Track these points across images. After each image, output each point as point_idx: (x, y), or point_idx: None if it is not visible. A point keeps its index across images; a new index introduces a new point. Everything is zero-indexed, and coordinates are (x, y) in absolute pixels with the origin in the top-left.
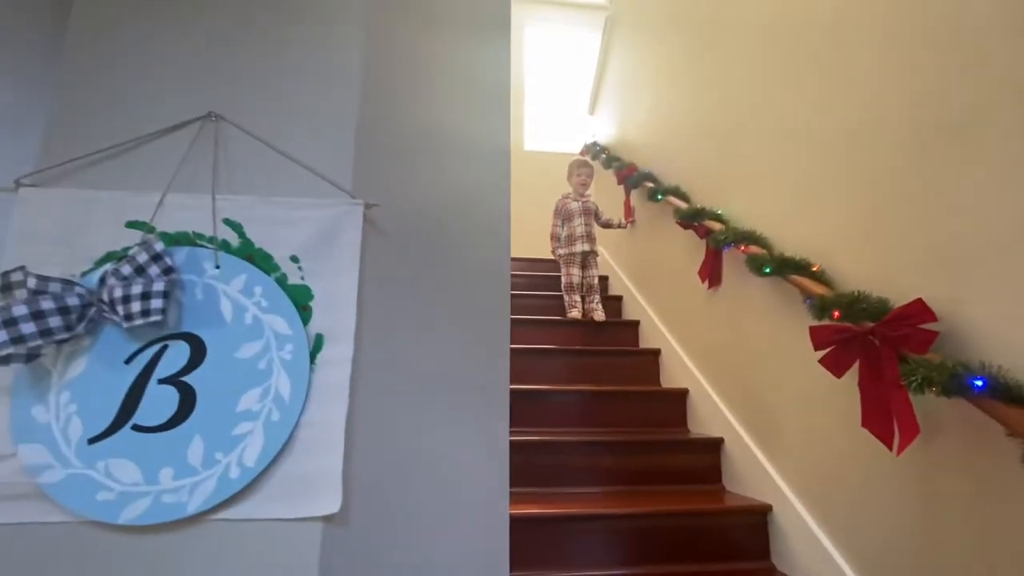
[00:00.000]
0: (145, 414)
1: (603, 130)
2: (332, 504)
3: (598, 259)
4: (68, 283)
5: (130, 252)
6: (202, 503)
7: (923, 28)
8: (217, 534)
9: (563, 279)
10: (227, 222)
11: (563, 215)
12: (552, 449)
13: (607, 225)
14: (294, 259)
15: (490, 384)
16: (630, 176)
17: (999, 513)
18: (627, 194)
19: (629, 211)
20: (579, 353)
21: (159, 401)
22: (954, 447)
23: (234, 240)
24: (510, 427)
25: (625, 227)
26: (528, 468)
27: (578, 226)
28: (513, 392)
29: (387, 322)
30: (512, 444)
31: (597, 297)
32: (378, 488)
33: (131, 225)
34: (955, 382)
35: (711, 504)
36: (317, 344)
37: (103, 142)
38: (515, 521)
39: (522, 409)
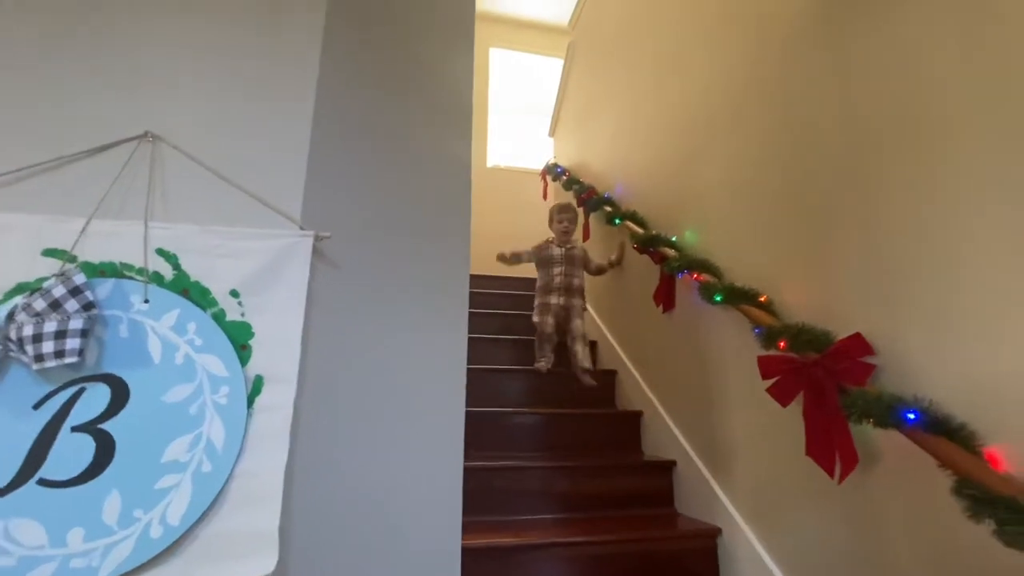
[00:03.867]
0: (54, 466)
1: (564, 152)
2: (267, 563)
3: (583, 311)
4: None
5: (45, 284)
6: (116, 568)
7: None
8: None
9: (536, 328)
10: (161, 252)
11: (541, 260)
12: (505, 475)
13: (600, 271)
14: (234, 294)
15: (445, 422)
16: (589, 200)
17: (936, 538)
18: (586, 217)
19: (588, 234)
20: (535, 374)
21: (71, 451)
22: (891, 475)
23: (167, 272)
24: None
25: (618, 264)
26: (480, 494)
27: (556, 276)
28: (467, 414)
29: (335, 361)
30: (464, 469)
31: (580, 349)
32: (319, 542)
33: (48, 254)
34: (890, 415)
35: (663, 530)
36: (256, 387)
37: (17, 161)
38: (466, 552)
39: (476, 431)
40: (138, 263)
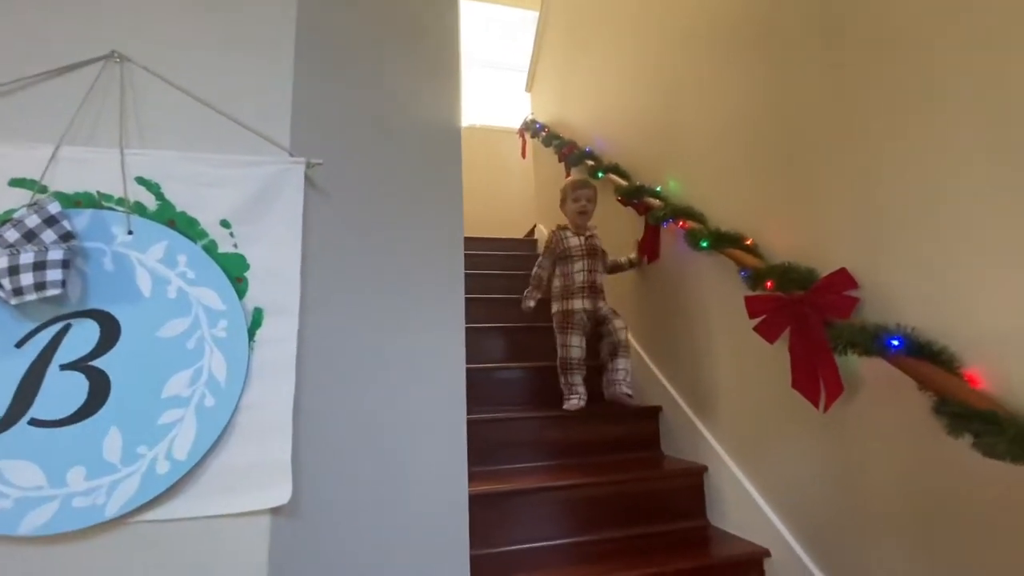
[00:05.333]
0: (46, 406)
1: (542, 107)
2: (281, 495)
3: (617, 320)
4: None
5: (16, 215)
6: (124, 504)
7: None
8: (145, 539)
9: (559, 351)
10: (141, 181)
11: (557, 253)
12: (498, 427)
13: (616, 268)
14: (225, 224)
15: (447, 358)
16: (571, 154)
17: (914, 459)
18: (567, 172)
19: None
20: (524, 330)
21: (63, 390)
22: (872, 403)
23: (150, 202)
24: None
25: (638, 265)
26: (474, 446)
27: (579, 272)
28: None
29: (335, 294)
30: None
31: (622, 364)
32: (330, 475)
33: (16, 184)
34: (875, 343)
35: (651, 470)
36: (256, 319)
37: None
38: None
39: (468, 387)
40: (117, 193)
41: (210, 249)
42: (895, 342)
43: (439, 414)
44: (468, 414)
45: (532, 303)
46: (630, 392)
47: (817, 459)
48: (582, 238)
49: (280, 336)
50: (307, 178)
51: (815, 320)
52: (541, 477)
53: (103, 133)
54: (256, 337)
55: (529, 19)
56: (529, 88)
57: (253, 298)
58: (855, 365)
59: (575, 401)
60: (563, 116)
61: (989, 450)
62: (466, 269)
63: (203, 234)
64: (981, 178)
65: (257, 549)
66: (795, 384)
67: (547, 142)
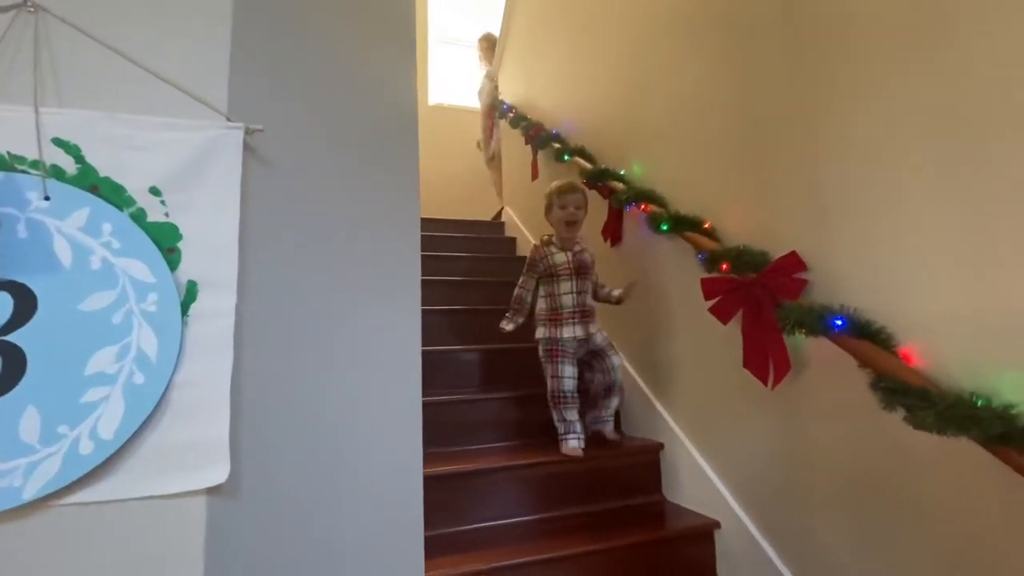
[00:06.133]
0: None
1: (510, 88)
2: (218, 474)
3: (614, 356)
4: None
5: None
6: (43, 487)
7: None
8: (69, 522)
9: (548, 383)
10: (59, 143)
11: (541, 270)
12: (461, 408)
13: (607, 299)
14: (155, 191)
15: (400, 335)
16: (537, 136)
17: (853, 434)
18: (534, 154)
19: (536, 172)
20: (487, 313)
21: None
22: (817, 381)
23: (69, 166)
24: None
25: (622, 301)
26: (437, 427)
27: (567, 294)
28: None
29: (278, 267)
30: None
31: (614, 404)
32: (273, 453)
33: None
34: (820, 323)
35: (609, 447)
36: (190, 293)
37: None
38: (424, 480)
39: (430, 369)
40: (31, 155)
41: (138, 218)
42: (838, 322)
43: (393, 393)
44: (429, 396)
45: (511, 327)
46: (617, 437)
47: (766, 435)
48: (569, 253)
49: (217, 311)
50: (247, 145)
51: (766, 301)
52: (502, 457)
53: (15, 89)
54: (190, 312)
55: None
56: (497, 69)
57: (186, 270)
58: (803, 345)
59: (574, 443)
60: (531, 97)
61: (919, 423)
62: (431, 251)
63: (130, 201)
64: (924, 169)
65: (193, 532)
66: (746, 363)
67: (514, 123)
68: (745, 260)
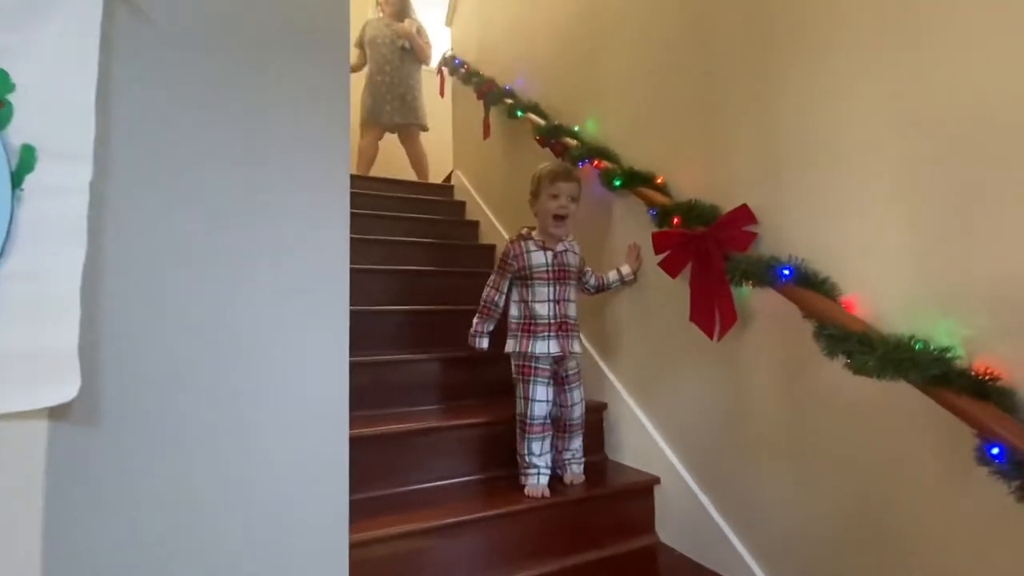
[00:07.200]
0: None
1: (462, 43)
2: (64, 391)
3: (577, 364)
4: None
5: None
6: None
7: None
8: None
9: (517, 404)
10: None
11: (514, 270)
12: (399, 368)
13: (602, 286)
14: None
15: (325, 248)
16: (489, 92)
17: (793, 383)
18: (486, 111)
19: (488, 130)
20: (430, 274)
21: None
22: (762, 332)
23: None
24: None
25: (634, 279)
26: (373, 390)
27: (543, 302)
28: (353, 313)
29: (155, 138)
30: (351, 365)
31: (577, 444)
32: (146, 371)
33: None
34: (768, 273)
35: None
36: (25, 160)
37: None
38: (356, 441)
39: (363, 332)
40: None
41: None
42: (786, 272)
43: (312, 312)
44: (366, 355)
45: (485, 342)
46: (583, 475)
47: (708, 390)
48: (550, 254)
49: (63, 186)
50: None
51: (716, 254)
52: (442, 417)
53: None
54: (25, 183)
55: None
56: (449, 22)
57: (20, 130)
58: (748, 299)
59: (534, 481)
60: (484, 53)
61: (860, 367)
62: (373, 211)
63: None
64: (871, 126)
65: (30, 461)
66: (692, 316)
67: (466, 80)
68: (696, 214)
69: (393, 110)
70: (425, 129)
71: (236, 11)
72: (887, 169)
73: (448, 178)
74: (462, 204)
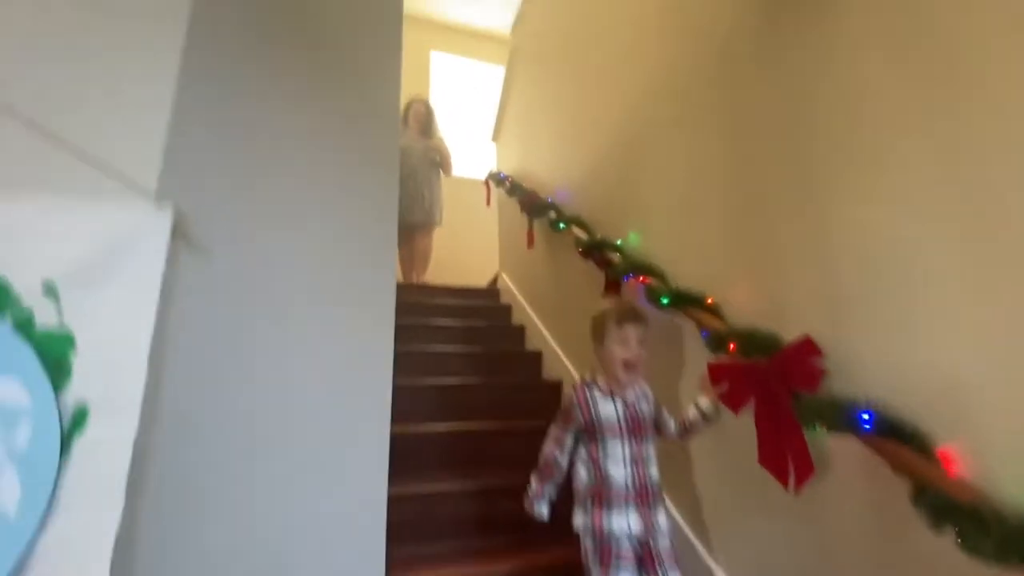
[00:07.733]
0: None
1: (506, 158)
2: None
3: (672, 543)
4: None
5: None
6: None
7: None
8: None
9: None
10: None
11: (581, 423)
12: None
13: (686, 428)
14: (49, 289)
15: (372, 453)
16: (533, 205)
17: (895, 547)
18: (530, 224)
19: (532, 240)
20: (485, 388)
21: None
22: (843, 484)
23: None
24: None
25: (716, 412)
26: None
27: (619, 463)
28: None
29: (204, 382)
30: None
31: None
32: None
33: None
34: (845, 420)
35: None
36: (78, 420)
37: None
38: None
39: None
40: None
41: (23, 324)
42: (866, 417)
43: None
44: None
45: (545, 509)
46: None
47: (783, 542)
48: (620, 402)
49: (108, 441)
50: (175, 230)
51: (782, 393)
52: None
53: None
54: (74, 445)
55: (499, 74)
56: (495, 138)
57: (78, 389)
58: (825, 440)
59: None
60: (526, 166)
61: (975, 550)
62: (426, 317)
63: (14, 302)
64: (948, 241)
65: None
66: (761, 459)
67: (511, 192)
68: (754, 342)
69: (419, 209)
70: (439, 225)
71: (282, 252)
72: (969, 281)
73: (494, 280)
74: (508, 308)
